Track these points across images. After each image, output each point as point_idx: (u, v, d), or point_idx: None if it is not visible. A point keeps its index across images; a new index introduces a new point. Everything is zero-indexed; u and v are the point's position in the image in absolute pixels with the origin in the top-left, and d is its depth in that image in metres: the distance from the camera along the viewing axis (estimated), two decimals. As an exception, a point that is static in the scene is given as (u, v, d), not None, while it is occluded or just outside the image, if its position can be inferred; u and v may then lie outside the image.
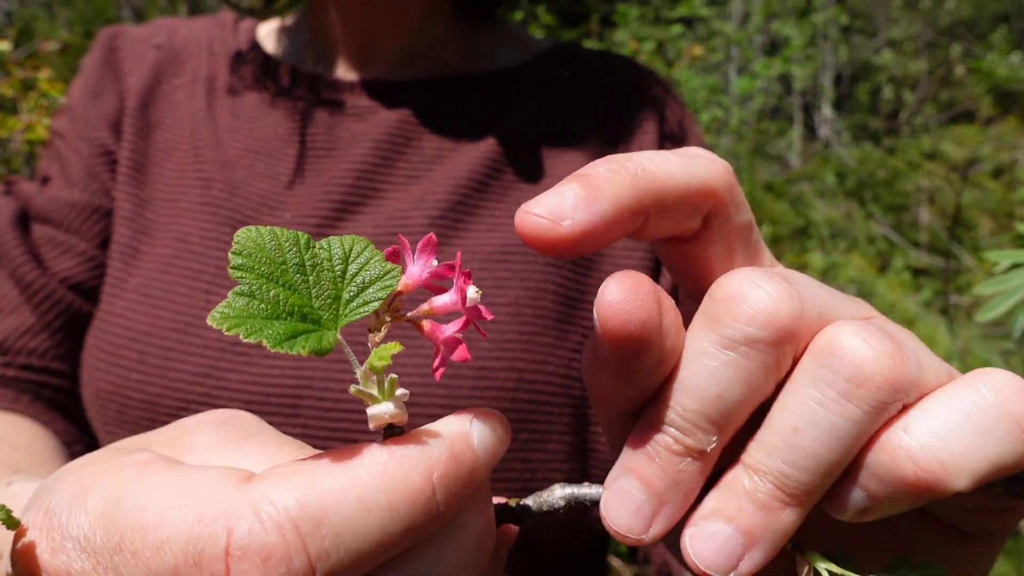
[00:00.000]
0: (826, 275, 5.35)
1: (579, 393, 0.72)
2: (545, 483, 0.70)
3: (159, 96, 0.83)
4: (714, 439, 0.31)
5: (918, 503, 0.29)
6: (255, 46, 0.86)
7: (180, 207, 0.75)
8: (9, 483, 0.49)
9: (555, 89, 0.83)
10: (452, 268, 0.30)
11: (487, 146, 0.77)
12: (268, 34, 0.88)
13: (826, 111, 8.57)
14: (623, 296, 0.30)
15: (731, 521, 0.31)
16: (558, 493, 0.34)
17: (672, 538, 0.33)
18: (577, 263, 0.75)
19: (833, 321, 0.31)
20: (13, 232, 0.76)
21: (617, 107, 0.83)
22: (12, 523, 0.30)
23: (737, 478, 0.31)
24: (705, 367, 0.30)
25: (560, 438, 0.71)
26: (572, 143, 0.80)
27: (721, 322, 0.30)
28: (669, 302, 0.31)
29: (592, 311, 0.78)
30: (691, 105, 4.48)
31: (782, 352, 0.30)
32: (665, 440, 0.31)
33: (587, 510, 0.71)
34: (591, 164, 0.32)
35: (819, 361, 0.30)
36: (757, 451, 0.31)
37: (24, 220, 0.78)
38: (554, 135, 0.80)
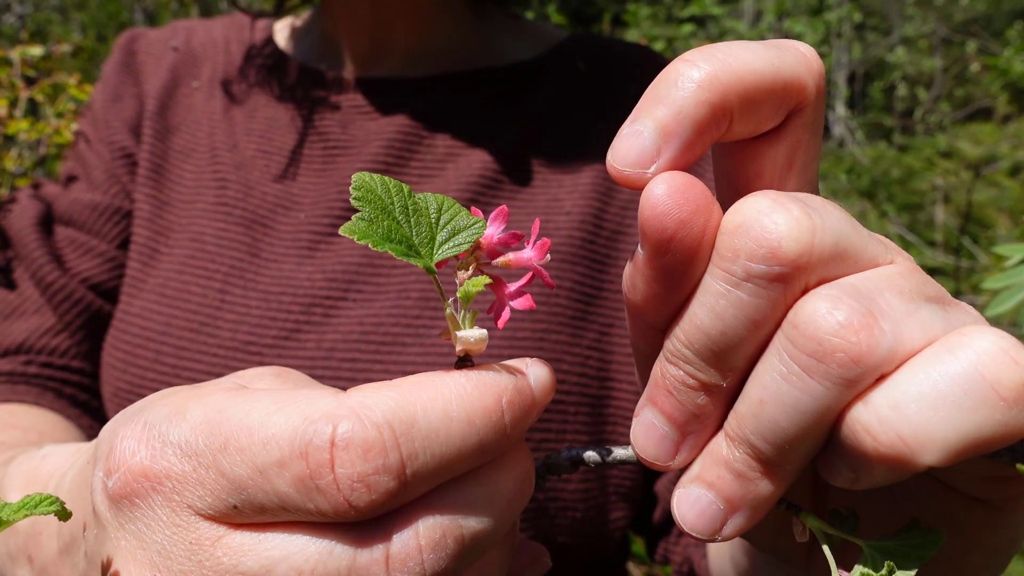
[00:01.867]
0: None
1: (595, 391, 0.72)
2: (563, 484, 0.70)
3: (177, 98, 0.84)
4: (728, 375, 0.30)
5: (898, 476, 0.28)
6: (271, 47, 0.87)
7: (197, 208, 0.76)
8: (44, 454, 0.51)
9: (571, 81, 0.82)
10: (518, 237, 0.34)
11: (501, 142, 0.77)
12: (283, 33, 0.89)
13: (840, 110, 8.51)
14: (668, 191, 0.29)
15: (711, 488, 0.31)
16: (564, 455, 0.36)
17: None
18: (594, 259, 0.75)
19: (850, 256, 0.29)
20: (35, 233, 0.77)
21: (635, 97, 0.82)
22: (64, 515, 0.31)
23: (718, 445, 0.31)
24: (708, 304, 0.29)
25: (575, 437, 0.70)
26: (589, 135, 0.79)
27: (724, 256, 0.29)
28: (718, 210, 0.30)
29: (609, 309, 0.78)
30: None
31: (789, 288, 0.28)
32: (680, 374, 0.31)
33: (606, 511, 0.71)
34: (670, 70, 0.31)
35: (785, 332, 0.28)
36: (732, 419, 0.31)
37: (48, 222, 0.79)
38: (570, 128, 0.79)
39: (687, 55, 0.31)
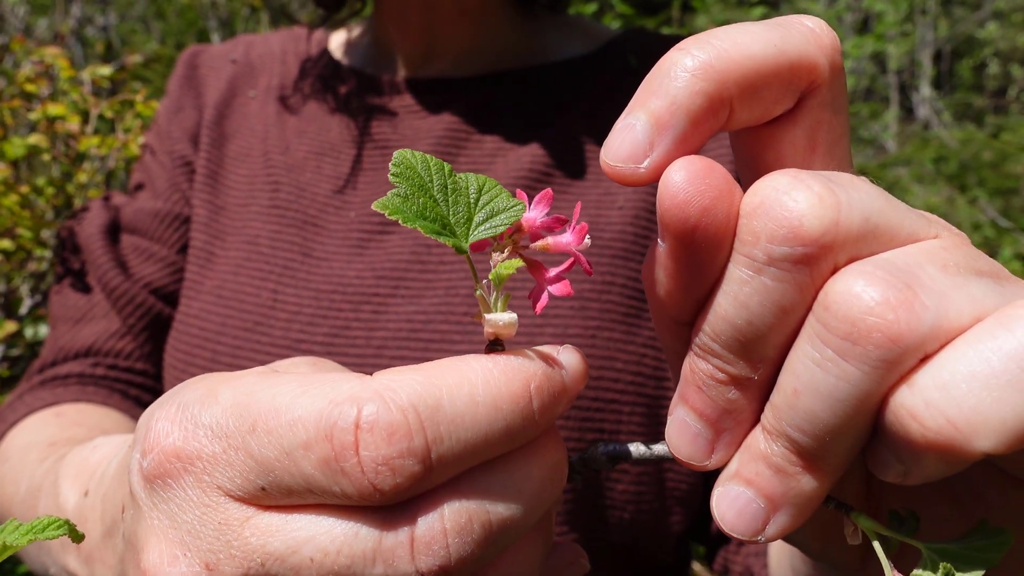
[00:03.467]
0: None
1: (651, 391, 0.70)
2: (612, 484, 0.68)
3: (234, 108, 0.86)
4: (758, 366, 0.29)
5: (952, 467, 0.25)
6: (325, 55, 0.89)
7: (251, 211, 0.78)
8: (95, 445, 0.53)
9: (623, 76, 0.81)
10: (562, 221, 0.33)
11: (551, 137, 0.77)
12: (338, 43, 0.91)
13: (925, 90, 8.10)
14: (688, 177, 0.28)
15: (750, 485, 0.30)
16: (601, 449, 0.36)
17: None
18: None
19: (883, 232, 0.27)
20: (101, 241, 0.81)
21: None
22: (76, 536, 0.32)
23: (755, 439, 0.30)
24: (732, 292, 0.28)
25: (629, 438, 0.69)
26: None
27: (744, 240, 0.27)
28: (740, 194, 0.29)
29: None
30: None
31: (816, 270, 0.26)
32: (708, 369, 0.30)
33: (661, 514, 0.69)
34: (664, 60, 0.30)
35: (816, 315, 0.27)
36: (768, 411, 0.29)
37: (115, 230, 0.83)
38: None
39: (682, 43, 0.30)
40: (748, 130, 0.32)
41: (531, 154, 0.76)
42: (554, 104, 0.79)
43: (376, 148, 0.79)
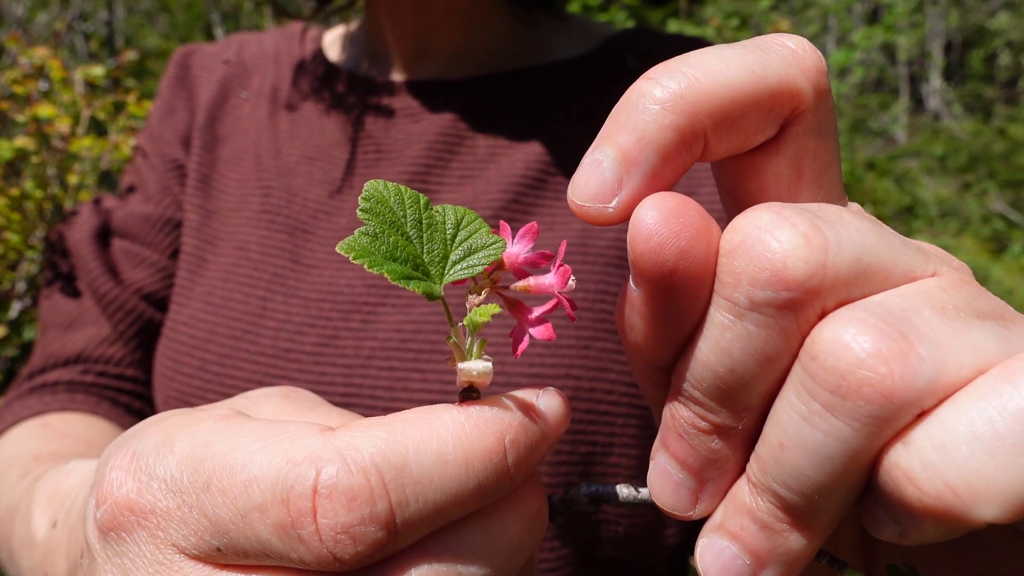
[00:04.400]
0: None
1: (646, 403, 0.69)
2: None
3: (226, 110, 0.85)
4: (742, 415, 0.27)
5: (952, 533, 0.23)
6: (318, 54, 0.87)
7: (242, 216, 0.77)
8: (69, 469, 0.52)
9: (619, 77, 0.79)
10: (547, 257, 0.31)
11: (546, 141, 0.75)
12: (332, 42, 0.89)
13: (935, 81, 8.02)
14: (660, 218, 0.26)
15: (735, 540, 0.28)
16: (583, 491, 0.34)
17: None
18: None
19: (876, 272, 0.25)
20: (92, 246, 0.80)
21: None
22: None
23: (740, 491, 0.28)
24: (713, 338, 0.26)
25: (624, 451, 0.68)
26: None
27: (724, 282, 0.26)
28: (717, 231, 0.27)
29: None
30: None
31: (803, 315, 0.25)
32: (690, 416, 0.28)
33: (656, 527, 0.68)
34: (632, 90, 0.28)
35: (802, 364, 0.25)
36: (754, 463, 0.27)
37: (105, 234, 0.82)
38: None
39: (651, 72, 0.28)
40: (729, 159, 0.30)
41: (525, 158, 0.74)
42: (549, 106, 0.78)
43: (369, 153, 0.78)
